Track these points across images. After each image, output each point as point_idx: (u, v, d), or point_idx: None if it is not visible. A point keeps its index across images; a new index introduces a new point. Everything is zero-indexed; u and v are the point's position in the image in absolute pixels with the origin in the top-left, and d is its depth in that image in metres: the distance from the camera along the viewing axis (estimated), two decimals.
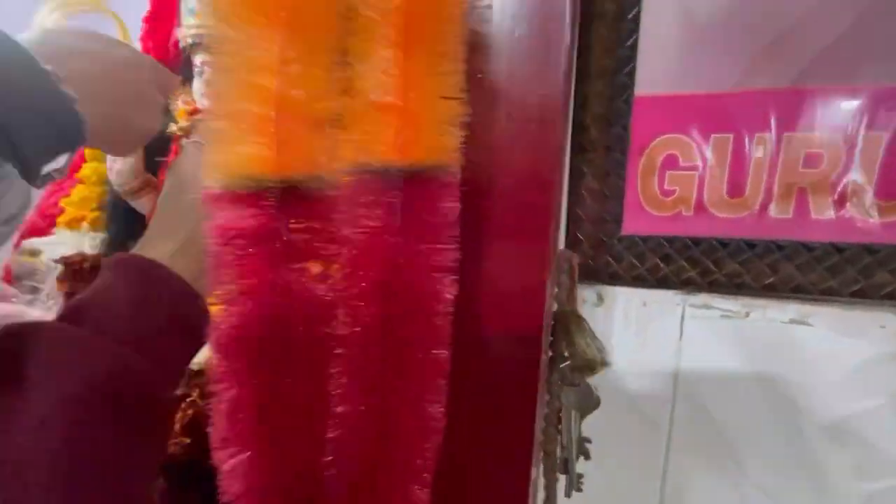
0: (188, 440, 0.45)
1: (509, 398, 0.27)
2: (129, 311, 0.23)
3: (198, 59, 0.61)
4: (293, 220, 0.21)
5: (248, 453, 0.22)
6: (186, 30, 0.61)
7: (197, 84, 0.61)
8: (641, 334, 0.44)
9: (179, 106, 0.65)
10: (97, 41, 0.30)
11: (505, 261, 0.25)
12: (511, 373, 0.26)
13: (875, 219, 0.36)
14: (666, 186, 0.40)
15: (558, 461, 0.37)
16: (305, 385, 0.22)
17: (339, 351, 0.21)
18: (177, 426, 0.43)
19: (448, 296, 0.21)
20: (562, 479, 0.38)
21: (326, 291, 0.21)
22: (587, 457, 0.39)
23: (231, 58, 0.21)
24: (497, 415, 0.27)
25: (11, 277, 0.62)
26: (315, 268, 0.21)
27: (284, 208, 0.21)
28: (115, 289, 0.24)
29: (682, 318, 0.43)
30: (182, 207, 0.31)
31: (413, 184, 0.20)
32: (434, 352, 0.22)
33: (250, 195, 0.21)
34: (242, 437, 0.22)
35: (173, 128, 0.60)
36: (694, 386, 0.44)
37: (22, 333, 0.21)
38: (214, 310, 0.22)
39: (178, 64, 0.65)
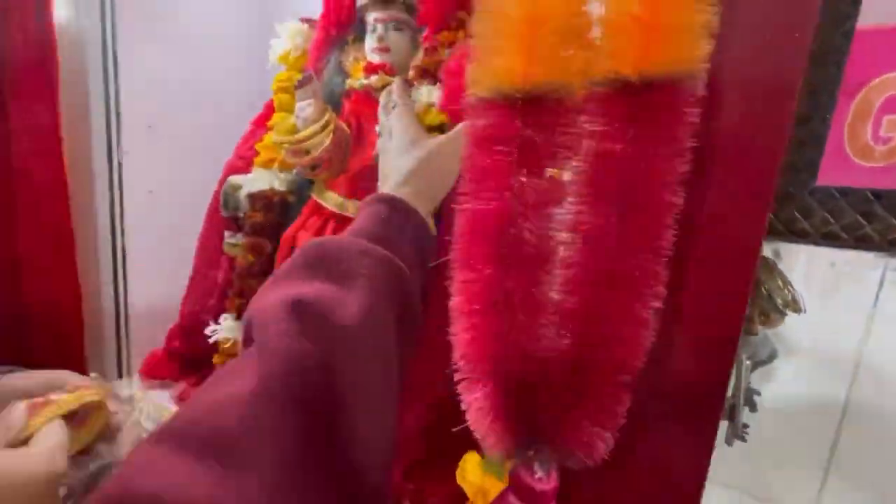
0: None
1: (708, 329, 0.27)
2: (389, 233, 0.30)
3: (370, 17, 0.67)
4: (536, 127, 0.23)
5: (479, 335, 0.25)
6: None
7: (369, 41, 0.67)
8: (826, 300, 0.41)
9: (352, 63, 0.73)
10: None
11: (726, 183, 0.25)
12: (713, 303, 0.26)
13: None
14: (882, 133, 0.36)
15: (725, 407, 0.36)
16: (530, 278, 0.25)
17: (565, 252, 0.24)
18: None
19: (676, 207, 0.22)
20: (723, 426, 0.38)
21: (561, 194, 0.24)
22: (753, 408, 0.38)
23: None
24: (694, 345, 0.27)
25: (219, 205, 0.75)
26: (553, 172, 0.24)
27: (529, 116, 0.24)
28: (377, 215, 0.30)
29: (881, 283, 0.39)
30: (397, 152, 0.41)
31: (655, 92, 0.22)
32: (655, 261, 0.23)
33: (499, 104, 0.24)
34: (474, 319, 0.25)
35: (350, 83, 0.68)
36: (880, 365, 0.40)
37: (326, 243, 0.28)
38: (461, 204, 0.25)
39: (352, 22, 0.72)
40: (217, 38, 0.86)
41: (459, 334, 0.26)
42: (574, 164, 0.24)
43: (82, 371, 0.53)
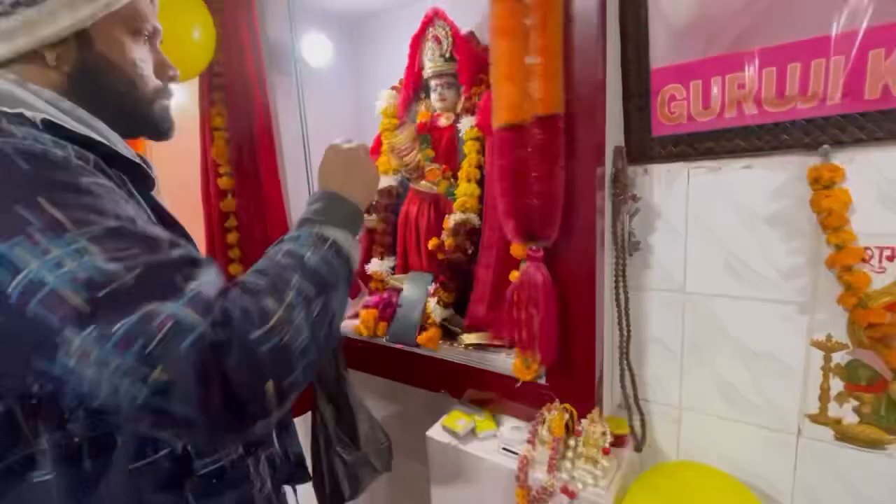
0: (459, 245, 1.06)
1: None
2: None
3: (432, 83, 1.19)
4: (518, 137, 0.75)
5: (507, 197, 0.77)
6: (427, 68, 1.19)
7: (433, 95, 1.20)
8: (668, 186, 0.89)
9: (422, 111, 1.24)
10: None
11: (579, 164, 0.75)
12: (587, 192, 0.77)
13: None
14: (670, 110, 0.84)
15: (623, 241, 0.86)
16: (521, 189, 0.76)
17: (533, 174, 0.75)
18: (460, 237, 1.02)
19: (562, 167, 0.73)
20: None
21: (527, 157, 0.75)
22: (636, 248, 0.88)
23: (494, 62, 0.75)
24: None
25: None
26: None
27: (514, 132, 0.75)
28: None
29: (688, 175, 0.87)
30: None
31: (552, 119, 0.72)
32: (556, 180, 0.73)
33: (503, 130, 0.76)
34: (503, 188, 0.77)
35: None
36: (697, 205, 0.87)
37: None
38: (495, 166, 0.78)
39: (421, 86, 1.24)
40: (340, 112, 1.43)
41: (502, 207, 0.78)
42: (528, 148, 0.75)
43: None
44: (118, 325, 0.37)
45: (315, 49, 1.32)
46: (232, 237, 1.27)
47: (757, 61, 0.75)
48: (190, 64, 1.17)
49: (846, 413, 0.80)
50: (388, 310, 1.17)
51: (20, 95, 0.48)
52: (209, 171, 1.26)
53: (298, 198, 1.29)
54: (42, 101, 0.49)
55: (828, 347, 0.79)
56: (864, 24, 0.67)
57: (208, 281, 0.43)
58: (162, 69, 0.63)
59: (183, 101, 1.60)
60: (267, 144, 1.20)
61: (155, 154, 1.92)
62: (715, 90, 0.80)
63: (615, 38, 0.82)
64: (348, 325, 1.26)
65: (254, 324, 0.41)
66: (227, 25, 1.16)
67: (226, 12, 1.15)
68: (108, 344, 0.36)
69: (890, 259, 0.72)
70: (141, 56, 0.59)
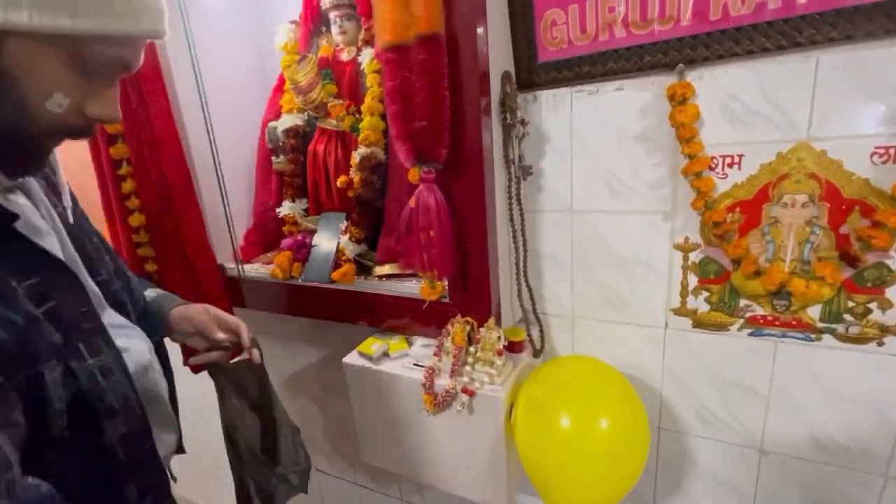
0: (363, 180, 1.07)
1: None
2: None
3: (332, 15, 1.16)
4: (400, 57, 0.76)
5: (397, 120, 0.79)
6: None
7: (333, 28, 1.16)
8: (554, 111, 0.95)
9: (323, 45, 1.20)
10: None
11: (464, 85, 0.78)
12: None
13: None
14: (552, 35, 0.89)
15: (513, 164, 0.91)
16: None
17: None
18: (366, 172, 1.04)
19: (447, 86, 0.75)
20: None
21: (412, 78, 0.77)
22: (529, 173, 0.94)
23: None
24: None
25: (266, 141, 1.26)
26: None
27: (398, 52, 0.76)
28: None
29: (571, 99, 0.93)
30: None
31: (433, 38, 0.73)
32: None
33: (388, 50, 0.77)
34: (393, 111, 0.79)
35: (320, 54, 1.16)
36: (580, 128, 0.94)
37: None
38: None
39: (320, 19, 1.20)
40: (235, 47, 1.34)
41: (393, 132, 0.80)
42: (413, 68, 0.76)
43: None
44: None
45: None
46: (127, 186, 1.19)
47: None
48: None
49: (700, 304, 0.94)
50: (301, 251, 1.18)
51: None
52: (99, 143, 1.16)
53: (198, 140, 1.23)
54: None
55: (686, 248, 0.92)
56: None
57: None
58: (91, 110, 0.51)
59: None
60: (154, 79, 1.12)
61: None
62: (589, 14, 0.85)
63: None
64: (264, 270, 1.25)
65: None
66: None
67: None
68: None
69: (730, 166, 0.84)
70: (59, 87, 0.47)
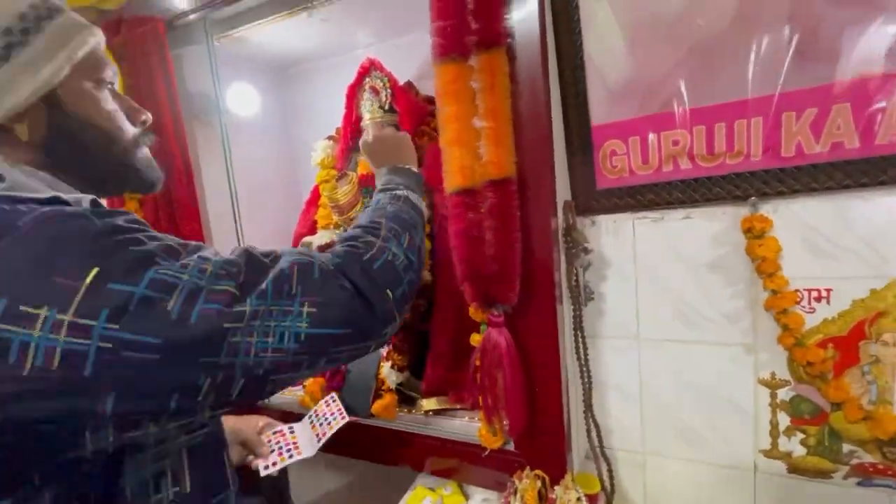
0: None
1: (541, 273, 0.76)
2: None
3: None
4: (471, 201, 0.72)
5: (463, 263, 0.73)
6: (365, 119, 1.15)
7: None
8: (615, 235, 0.91)
9: (361, 161, 1.18)
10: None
11: (534, 225, 0.74)
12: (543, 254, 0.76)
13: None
14: (612, 164, 0.87)
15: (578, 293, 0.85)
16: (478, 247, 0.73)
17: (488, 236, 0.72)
18: None
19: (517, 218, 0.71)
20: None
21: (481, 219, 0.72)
22: (591, 298, 0.88)
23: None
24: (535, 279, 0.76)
25: None
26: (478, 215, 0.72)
27: (467, 197, 0.72)
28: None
29: (633, 225, 0.89)
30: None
31: (504, 182, 0.70)
32: (512, 244, 0.71)
33: (456, 194, 0.73)
34: (459, 253, 0.74)
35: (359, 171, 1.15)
36: (644, 253, 0.90)
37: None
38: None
39: (359, 137, 1.19)
40: (269, 160, 1.34)
41: (459, 272, 0.74)
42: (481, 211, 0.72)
43: None
44: (263, 283, 0.45)
45: (241, 98, 1.23)
46: None
47: (688, 120, 0.80)
48: None
49: (795, 446, 0.84)
50: (336, 377, 1.07)
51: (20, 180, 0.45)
52: None
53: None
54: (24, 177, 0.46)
55: (773, 385, 0.84)
56: (778, 90, 0.73)
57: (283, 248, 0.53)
58: (133, 115, 0.59)
59: None
60: (187, 202, 1.08)
61: None
62: (652, 146, 0.84)
63: (556, 96, 0.84)
64: (291, 397, 1.14)
65: (363, 251, 0.55)
66: (138, 75, 1.04)
67: (135, 61, 1.04)
68: (268, 298, 0.44)
69: (818, 300, 0.78)
70: (112, 106, 0.56)
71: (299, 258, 0.49)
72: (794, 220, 0.78)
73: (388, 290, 0.53)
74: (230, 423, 0.83)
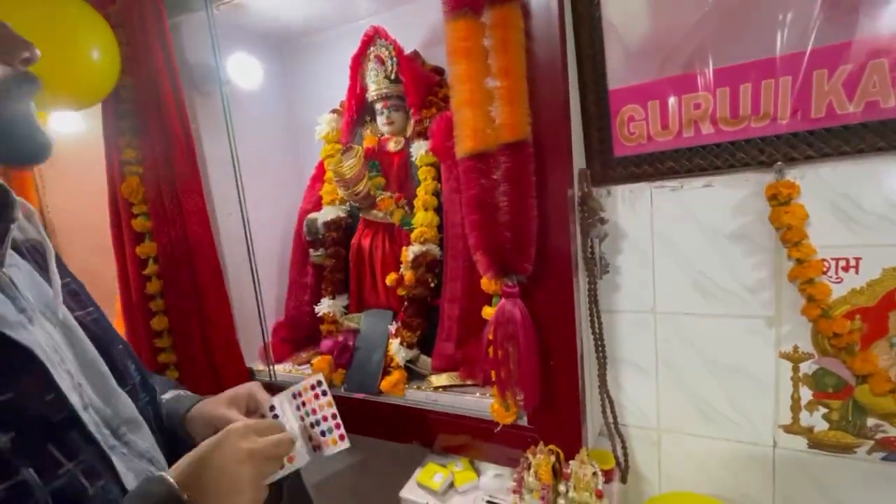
0: (422, 281, 0.97)
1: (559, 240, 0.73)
2: None
3: (378, 105, 1.11)
4: (483, 166, 0.69)
5: (476, 231, 0.71)
6: (370, 90, 1.11)
7: (379, 119, 1.12)
8: (632, 206, 0.87)
9: (368, 135, 1.15)
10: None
11: (550, 191, 0.71)
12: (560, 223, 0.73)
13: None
14: (629, 131, 0.83)
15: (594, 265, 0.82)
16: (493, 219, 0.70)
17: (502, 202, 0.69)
18: (420, 270, 0.94)
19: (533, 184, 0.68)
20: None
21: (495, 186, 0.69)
22: (606, 271, 0.85)
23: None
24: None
25: (303, 231, 1.18)
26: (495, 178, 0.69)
27: (479, 161, 0.69)
28: None
29: (651, 195, 0.86)
30: None
31: (520, 145, 0.67)
32: (528, 209, 0.68)
33: (468, 158, 0.70)
34: (472, 221, 0.71)
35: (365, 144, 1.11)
36: (662, 224, 0.86)
37: None
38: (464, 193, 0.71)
39: (365, 109, 1.16)
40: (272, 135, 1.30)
41: (472, 242, 0.71)
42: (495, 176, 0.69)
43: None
44: None
45: (243, 70, 1.19)
46: (153, 286, 1.09)
47: (711, 81, 0.76)
48: (89, 89, 1.00)
49: (817, 421, 0.81)
50: (344, 354, 1.06)
51: None
52: (120, 211, 1.08)
53: (230, 234, 1.15)
54: None
55: (795, 358, 0.81)
56: (809, 46, 0.69)
57: None
58: (6, 48, 0.40)
59: (81, 130, 1.39)
60: (189, 176, 1.05)
61: (51, 190, 1.65)
62: (672, 110, 0.80)
63: (572, 59, 0.80)
64: (299, 374, 1.12)
65: None
66: (135, 44, 1.00)
67: (132, 29, 1.00)
68: None
69: (846, 269, 0.75)
70: None
71: None
72: (822, 185, 0.74)
73: None
74: (221, 409, 0.64)
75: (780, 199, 0.75)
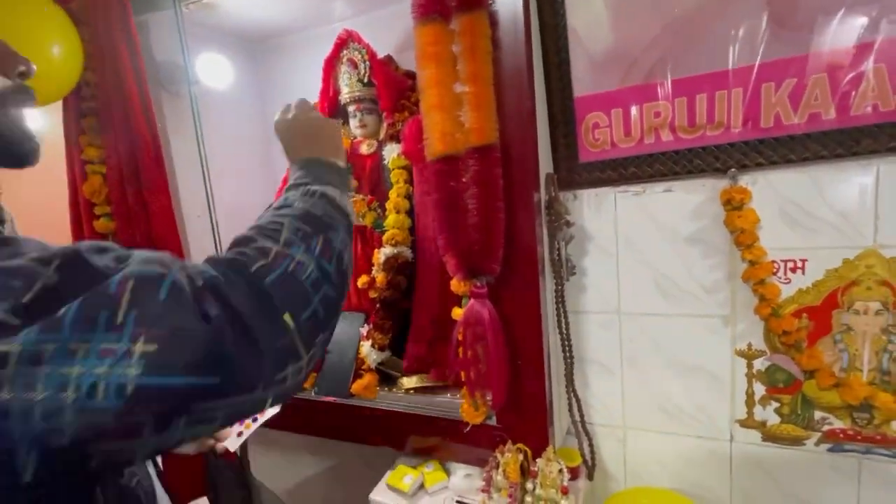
0: (393, 285, 0.98)
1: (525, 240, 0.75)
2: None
3: (350, 108, 1.12)
4: (449, 167, 0.70)
5: (445, 233, 0.72)
6: (343, 93, 1.11)
7: (352, 122, 1.12)
8: (597, 209, 0.90)
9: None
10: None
11: (517, 194, 0.73)
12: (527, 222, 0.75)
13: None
14: (594, 137, 0.86)
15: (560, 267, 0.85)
16: (459, 222, 0.71)
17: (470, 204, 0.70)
18: (392, 272, 0.95)
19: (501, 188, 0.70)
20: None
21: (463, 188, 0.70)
22: (573, 273, 0.88)
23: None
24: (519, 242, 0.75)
25: None
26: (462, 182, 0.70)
27: (447, 163, 0.70)
28: None
29: (615, 199, 0.89)
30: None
31: (487, 149, 0.68)
32: (495, 214, 0.70)
33: (437, 162, 0.71)
34: (441, 223, 0.72)
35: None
36: (626, 227, 0.89)
37: None
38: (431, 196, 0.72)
39: (338, 113, 1.16)
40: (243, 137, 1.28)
41: (441, 243, 0.72)
42: (464, 179, 0.71)
43: None
44: (63, 308, 0.31)
45: (212, 69, 1.18)
46: None
47: (669, 91, 0.80)
48: (50, 86, 0.97)
49: (769, 415, 0.86)
50: None
51: None
52: (81, 212, 1.04)
53: (199, 238, 1.12)
54: None
55: (749, 355, 0.85)
56: (758, 60, 0.74)
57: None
58: (4, 63, 0.43)
59: (40, 127, 1.34)
60: (156, 175, 1.03)
61: (7, 191, 1.58)
62: (634, 118, 0.83)
63: (539, 66, 0.82)
64: None
65: (253, 259, 0.39)
66: (99, 41, 0.98)
67: (96, 25, 0.98)
68: (64, 330, 0.30)
69: (793, 270, 0.79)
70: None
71: (144, 269, 0.34)
72: (771, 191, 0.78)
73: (287, 314, 0.38)
74: None
75: (733, 204, 0.79)
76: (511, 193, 0.74)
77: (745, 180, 0.79)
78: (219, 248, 1.11)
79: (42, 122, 1.32)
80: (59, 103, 1.02)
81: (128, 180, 1.02)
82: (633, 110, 0.83)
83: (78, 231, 1.06)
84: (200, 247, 1.12)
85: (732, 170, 0.79)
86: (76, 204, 1.05)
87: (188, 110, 1.08)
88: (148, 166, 1.01)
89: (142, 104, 1.00)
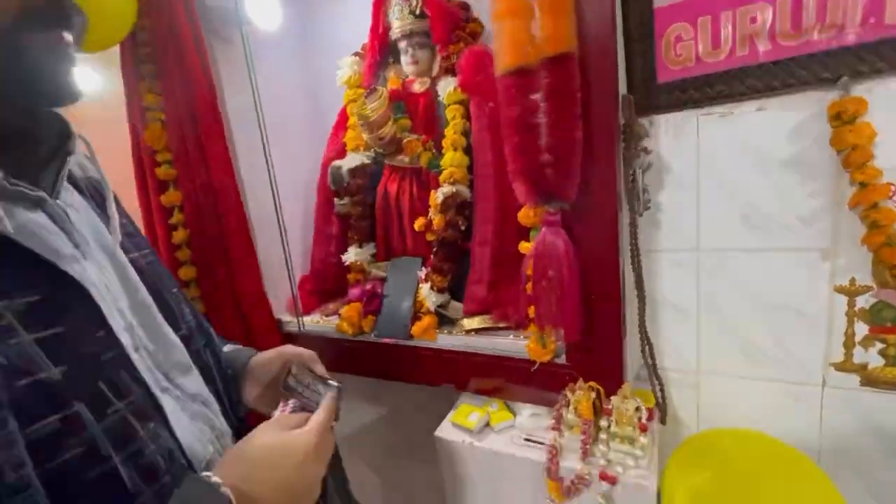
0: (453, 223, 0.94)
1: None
2: None
3: (401, 44, 1.07)
4: (523, 82, 0.65)
5: (517, 153, 0.67)
6: (394, 28, 1.06)
7: (403, 58, 1.07)
8: (676, 137, 0.83)
9: (391, 76, 1.11)
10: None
11: (596, 111, 0.66)
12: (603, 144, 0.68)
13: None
14: (676, 53, 0.78)
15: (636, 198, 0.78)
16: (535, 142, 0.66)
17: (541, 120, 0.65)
18: (450, 212, 0.92)
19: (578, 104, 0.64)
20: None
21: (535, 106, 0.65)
22: (647, 207, 0.81)
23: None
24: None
25: (328, 180, 1.15)
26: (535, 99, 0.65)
27: (520, 77, 0.65)
28: None
29: (698, 123, 0.81)
30: None
31: (564, 59, 0.62)
32: (572, 127, 0.64)
33: (507, 75, 0.65)
34: (513, 143, 0.67)
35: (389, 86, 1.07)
36: (708, 155, 0.81)
37: None
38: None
39: (388, 50, 1.11)
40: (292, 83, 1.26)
41: (511, 167, 0.68)
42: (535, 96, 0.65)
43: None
44: None
45: (261, 11, 1.15)
46: (179, 235, 1.08)
47: None
48: (105, 31, 0.97)
49: (871, 357, 0.78)
50: (373, 301, 1.04)
51: None
52: (143, 159, 1.06)
53: (254, 183, 1.13)
54: None
55: (852, 291, 0.76)
56: None
57: None
58: None
59: (98, 77, 1.36)
60: (213, 123, 1.03)
61: None
62: (725, 26, 0.74)
63: None
64: (327, 324, 1.12)
65: None
66: None
67: None
68: None
69: None
70: None
71: None
72: (891, 100, 0.68)
73: None
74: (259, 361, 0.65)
75: (844, 118, 0.69)
76: (588, 111, 0.67)
77: (859, 90, 0.69)
78: (275, 189, 1.11)
79: (99, 71, 1.34)
80: (118, 51, 1.02)
81: (186, 126, 1.02)
82: (724, 17, 0.73)
83: (141, 179, 1.08)
84: (256, 190, 1.13)
85: (844, 78, 0.69)
86: (138, 152, 1.07)
87: (240, 54, 1.06)
88: (204, 112, 1.01)
89: (196, 47, 0.99)
